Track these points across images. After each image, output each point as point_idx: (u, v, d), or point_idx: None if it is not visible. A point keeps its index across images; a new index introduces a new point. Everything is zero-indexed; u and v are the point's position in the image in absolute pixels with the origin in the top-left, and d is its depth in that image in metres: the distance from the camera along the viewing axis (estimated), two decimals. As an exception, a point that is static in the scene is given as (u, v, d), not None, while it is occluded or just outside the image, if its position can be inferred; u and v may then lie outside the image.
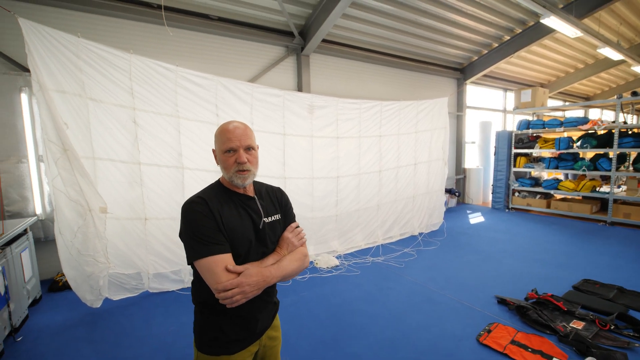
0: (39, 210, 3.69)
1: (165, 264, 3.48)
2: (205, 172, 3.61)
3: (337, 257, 4.53)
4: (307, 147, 4.45)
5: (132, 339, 2.65)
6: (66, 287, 3.52)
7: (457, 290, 3.50)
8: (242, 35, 4.96)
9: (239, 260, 1.20)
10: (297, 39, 5.36)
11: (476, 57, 7.91)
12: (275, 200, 1.41)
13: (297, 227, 1.41)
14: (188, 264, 1.19)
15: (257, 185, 1.40)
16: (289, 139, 4.28)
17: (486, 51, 7.71)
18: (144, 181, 3.29)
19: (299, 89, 5.60)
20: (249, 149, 1.25)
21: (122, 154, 3.20)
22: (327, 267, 4.19)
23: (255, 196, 1.34)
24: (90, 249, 2.91)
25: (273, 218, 1.35)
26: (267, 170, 4.09)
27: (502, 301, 3.20)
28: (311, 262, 4.35)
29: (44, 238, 3.74)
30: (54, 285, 3.60)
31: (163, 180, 3.40)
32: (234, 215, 1.24)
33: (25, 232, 3.22)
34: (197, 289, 1.28)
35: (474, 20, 6.40)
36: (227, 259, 1.15)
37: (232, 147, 1.22)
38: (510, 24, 6.83)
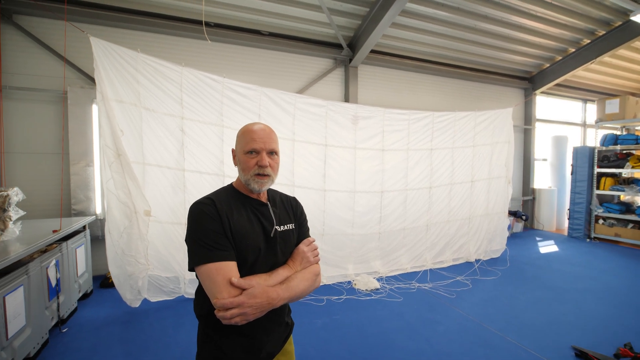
0: (99, 210, 4.03)
1: (202, 270, 3.49)
2: (245, 181, 3.60)
3: (378, 280, 4.16)
4: (349, 158, 4.25)
5: (159, 344, 2.64)
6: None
7: (520, 333, 2.92)
8: (291, 49, 5.05)
9: (245, 269, 1.07)
10: (345, 51, 5.29)
11: (548, 65, 7.05)
12: (290, 209, 1.31)
13: (313, 241, 1.28)
14: (189, 270, 1.08)
15: (272, 193, 1.31)
16: (330, 150, 4.13)
17: (560, 57, 6.82)
18: (187, 187, 3.39)
19: (346, 100, 5.47)
20: (272, 153, 1.18)
21: (169, 161, 3.34)
22: (366, 290, 3.86)
23: (269, 203, 1.24)
24: (133, 249, 3.04)
25: (286, 227, 1.23)
26: (306, 182, 3.96)
27: (581, 354, 2.57)
28: (349, 282, 4.06)
29: (101, 236, 4.05)
30: (105, 282, 3.85)
31: (204, 187, 3.47)
32: (244, 220, 1.13)
33: (83, 229, 3.50)
34: (199, 300, 1.16)
35: (544, 24, 5.70)
36: (231, 268, 1.02)
37: (256, 148, 1.15)
38: (591, 26, 5.94)
